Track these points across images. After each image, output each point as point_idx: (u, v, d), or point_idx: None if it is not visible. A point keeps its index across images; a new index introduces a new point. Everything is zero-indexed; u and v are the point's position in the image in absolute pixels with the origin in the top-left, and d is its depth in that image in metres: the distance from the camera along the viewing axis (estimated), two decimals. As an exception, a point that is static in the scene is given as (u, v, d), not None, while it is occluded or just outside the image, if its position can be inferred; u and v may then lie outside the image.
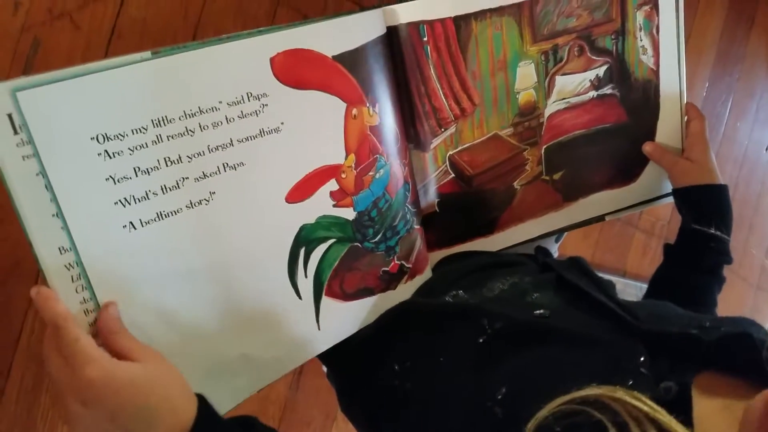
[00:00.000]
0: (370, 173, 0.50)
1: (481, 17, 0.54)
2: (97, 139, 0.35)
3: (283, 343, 0.48)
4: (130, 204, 0.37)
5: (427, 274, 0.59)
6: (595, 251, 1.26)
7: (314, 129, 0.46)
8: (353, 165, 0.49)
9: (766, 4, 1.37)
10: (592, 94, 0.61)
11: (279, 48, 0.42)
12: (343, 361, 0.57)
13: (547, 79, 0.59)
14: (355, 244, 0.51)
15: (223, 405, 0.46)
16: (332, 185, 0.48)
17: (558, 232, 0.67)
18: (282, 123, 0.44)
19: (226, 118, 0.41)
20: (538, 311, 0.43)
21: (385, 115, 0.51)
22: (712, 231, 0.59)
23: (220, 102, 0.40)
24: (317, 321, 0.50)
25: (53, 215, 0.34)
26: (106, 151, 0.36)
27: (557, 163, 0.63)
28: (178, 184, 0.39)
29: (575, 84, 0.60)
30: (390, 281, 0.55)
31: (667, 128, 0.65)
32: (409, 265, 0.57)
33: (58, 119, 0.34)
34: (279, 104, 0.43)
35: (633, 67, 0.62)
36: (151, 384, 0.34)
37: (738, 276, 1.46)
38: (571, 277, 0.46)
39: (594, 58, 0.60)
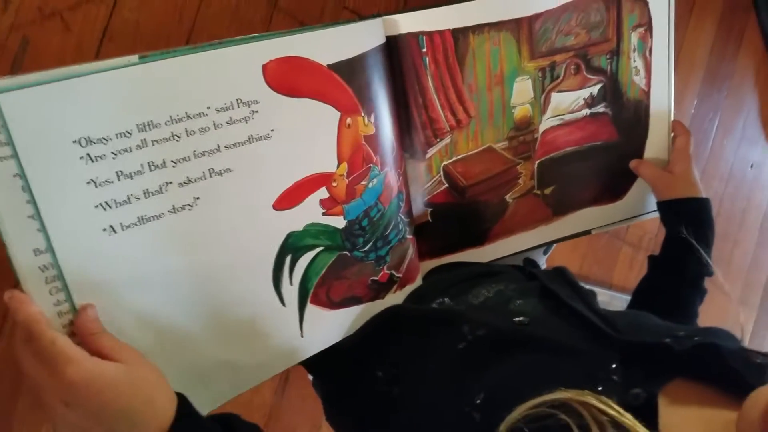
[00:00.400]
0: (363, 182, 0.50)
1: (479, 31, 0.54)
2: (80, 143, 0.35)
3: (265, 349, 0.48)
4: (111, 207, 0.36)
5: (417, 284, 0.59)
6: (583, 263, 1.27)
7: (306, 137, 0.45)
8: (345, 174, 0.48)
9: (753, 26, 1.39)
10: (586, 111, 0.62)
11: (272, 55, 0.42)
12: (329, 368, 0.56)
13: (543, 96, 0.59)
14: (344, 252, 0.50)
15: (203, 408, 0.45)
16: (322, 193, 0.47)
17: (547, 245, 0.67)
18: (272, 130, 0.43)
19: (214, 124, 0.40)
20: (517, 318, 0.44)
21: (382, 124, 0.51)
22: (694, 241, 0.60)
23: (209, 108, 0.40)
24: (301, 328, 0.49)
25: (29, 217, 0.34)
26: (88, 154, 0.35)
27: (549, 178, 0.63)
28: (161, 188, 0.38)
29: (570, 101, 0.61)
30: (379, 290, 0.55)
31: (655, 147, 0.66)
32: (400, 275, 0.56)
33: (39, 122, 0.33)
34: (269, 111, 0.42)
35: (626, 87, 0.63)
36: (133, 384, 0.34)
37: (721, 291, 1.47)
38: (553, 286, 0.47)
39: (589, 76, 0.61)
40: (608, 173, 0.66)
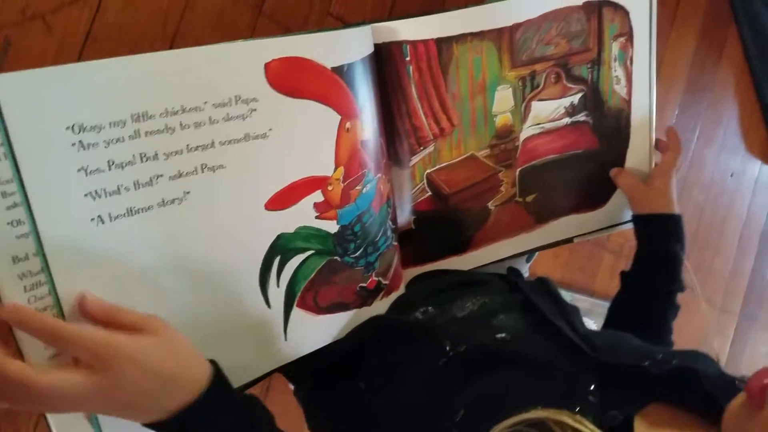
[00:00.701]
0: (357, 187, 0.50)
1: (462, 41, 0.55)
2: (73, 129, 0.34)
3: (247, 350, 0.47)
4: (100, 197, 0.35)
5: (401, 292, 0.59)
6: (565, 271, 1.28)
7: (304, 139, 0.45)
8: (341, 178, 0.48)
9: (734, 38, 1.45)
10: (567, 120, 0.63)
11: (275, 54, 0.42)
12: (311, 377, 0.55)
13: (524, 104, 0.60)
14: (335, 257, 0.50)
15: None
16: (317, 196, 0.47)
17: (528, 253, 0.68)
18: (270, 129, 0.43)
19: (210, 119, 0.39)
20: (499, 335, 0.44)
21: (374, 130, 0.51)
22: (667, 258, 0.61)
23: (205, 102, 0.39)
24: (285, 332, 0.48)
25: (8, 224, 0.33)
26: (80, 141, 0.34)
27: (531, 186, 0.64)
28: (151, 180, 0.37)
29: (551, 110, 0.62)
30: (366, 297, 0.54)
31: (636, 156, 0.67)
32: (386, 282, 0.56)
33: (34, 105, 0.32)
34: (269, 110, 0.42)
35: (606, 95, 0.64)
36: (170, 352, 0.35)
37: (703, 298, 1.48)
38: (537, 300, 0.48)
39: (570, 85, 0.61)
40: (589, 181, 0.67)
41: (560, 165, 0.65)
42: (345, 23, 0.94)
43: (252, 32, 0.88)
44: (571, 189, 0.67)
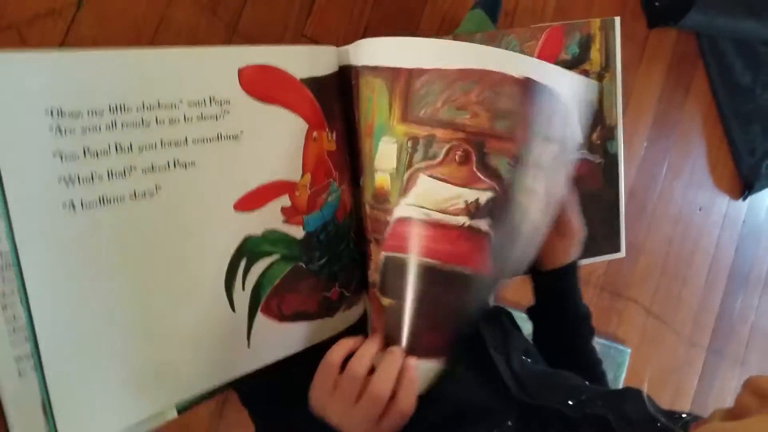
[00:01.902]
0: (323, 195, 0.51)
1: (361, 73, 0.48)
2: (51, 113, 0.34)
3: (210, 355, 0.46)
4: (74, 183, 0.36)
5: (363, 304, 0.60)
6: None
7: (274, 143, 0.47)
8: (308, 184, 0.50)
9: (701, 73, 1.51)
10: (464, 220, 0.44)
11: (249, 61, 0.44)
12: (262, 400, 0.55)
13: (409, 172, 0.44)
14: (300, 264, 0.51)
15: (138, 414, 0.42)
16: (285, 201, 0.48)
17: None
18: (242, 131, 0.44)
19: (185, 117, 0.41)
20: None
21: (338, 144, 0.53)
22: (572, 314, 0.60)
23: (181, 100, 0.41)
24: (248, 338, 0.48)
25: None
26: (58, 126, 0.35)
27: (391, 284, 0.46)
28: (125, 171, 0.38)
29: (445, 196, 0.44)
30: (329, 308, 0.55)
31: None
32: (349, 294, 0.57)
33: (14, 83, 0.33)
34: (241, 113, 0.44)
35: (521, 208, 0.46)
36: None
37: (671, 330, 1.49)
38: (486, 334, 0.50)
39: (480, 176, 0.43)
40: (465, 315, 0.48)
41: (434, 278, 0.45)
42: (318, 43, 0.97)
43: (226, 51, 0.90)
44: (441, 318, 0.47)
